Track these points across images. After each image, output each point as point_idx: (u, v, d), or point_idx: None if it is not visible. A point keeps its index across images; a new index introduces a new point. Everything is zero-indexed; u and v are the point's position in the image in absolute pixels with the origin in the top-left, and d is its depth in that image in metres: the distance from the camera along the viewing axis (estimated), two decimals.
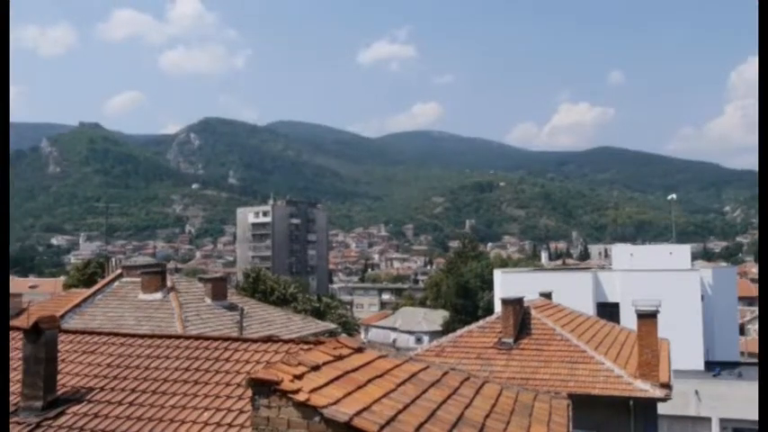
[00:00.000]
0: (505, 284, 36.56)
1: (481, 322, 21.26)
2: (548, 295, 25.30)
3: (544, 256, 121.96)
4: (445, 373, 8.80)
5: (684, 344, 27.29)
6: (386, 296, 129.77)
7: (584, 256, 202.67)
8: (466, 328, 21.14)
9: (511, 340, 19.25)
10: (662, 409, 18.84)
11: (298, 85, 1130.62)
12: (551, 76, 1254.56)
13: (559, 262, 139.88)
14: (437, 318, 70.26)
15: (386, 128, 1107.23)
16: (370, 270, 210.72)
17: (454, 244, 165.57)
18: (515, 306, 19.81)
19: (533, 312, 20.52)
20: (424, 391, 7.47)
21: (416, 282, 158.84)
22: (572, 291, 32.41)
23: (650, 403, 17.44)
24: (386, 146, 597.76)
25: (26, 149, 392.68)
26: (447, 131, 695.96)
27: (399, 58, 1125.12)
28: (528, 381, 16.35)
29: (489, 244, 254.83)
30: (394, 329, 73.26)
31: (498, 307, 22.33)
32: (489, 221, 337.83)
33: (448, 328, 55.93)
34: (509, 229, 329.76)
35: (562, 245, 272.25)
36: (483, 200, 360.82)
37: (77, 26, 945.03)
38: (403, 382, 7.42)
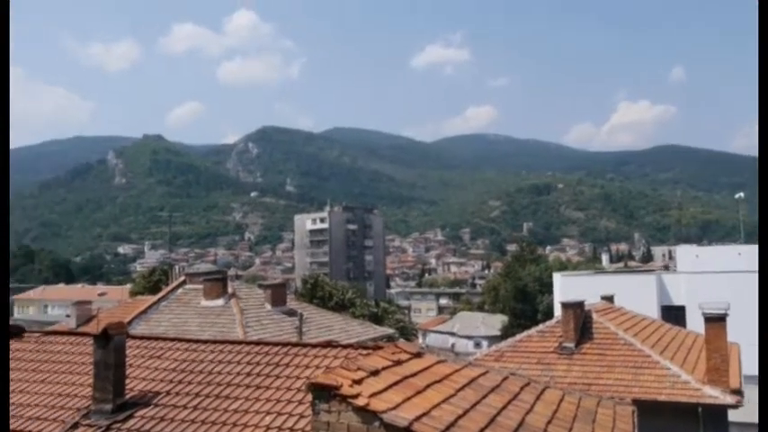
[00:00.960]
0: (565, 288, 35.88)
1: (541, 326, 20.95)
2: (610, 298, 24.72)
3: (605, 258, 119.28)
4: (505, 378, 8.71)
5: (756, 348, 26.16)
6: (443, 301, 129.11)
7: (647, 258, 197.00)
8: (525, 333, 20.85)
9: (572, 345, 18.89)
10: (733, 416, 18.13)
11: (352, 91, 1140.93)
12: (609, 75, 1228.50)
13: (621, 264, 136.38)
14: (495, 322, 69.46)
15: (441, 132, 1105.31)
16: (427, 275, 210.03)
17: (512, 247, 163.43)
18: (576, 310, 19.44)
19: (595, 316, 20.10)
20: (483, 397, 7.40)
21: (474, 286, 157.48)
22: (635, 294, 31.52)
23: (720, 410, 16.82)
24: (441, 150, 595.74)
25: (94, 162, 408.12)
26: (502, 134, 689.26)
27: (453, 61, 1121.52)
28: (590, 386, 16.01)
29: (548, 247, 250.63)
30: (452, 334, 72.76)
31: (558, 311, 21.96)
32: (547, 224, 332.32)
33: (507, 332, 55.22)
34: (568, 232, 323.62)
35: (624, 247, 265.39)
36: (540, 202, 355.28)
37: (140, 41, 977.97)
38: (462, 388, 7.37)
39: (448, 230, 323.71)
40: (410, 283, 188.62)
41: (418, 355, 7.88)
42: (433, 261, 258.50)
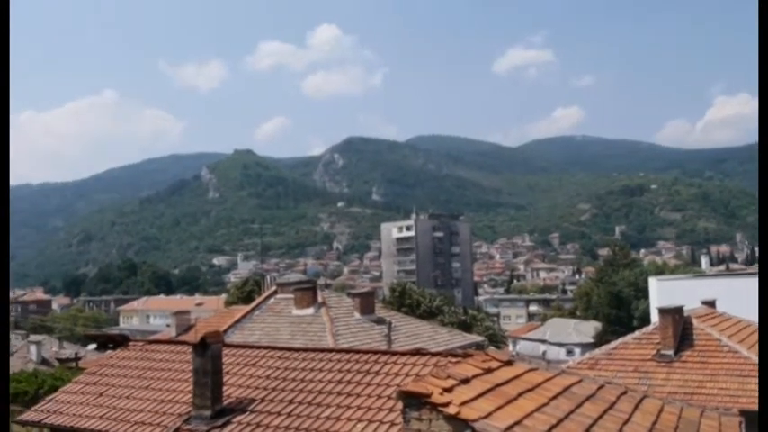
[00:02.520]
0: (662, 293, 34.38)
1: (637, 333, 20.20)
2: (711, 303, 23.51)
3: (705, 261, 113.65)
4: (600, 387, 8.44)
5: None
6: (533, 307, 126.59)
7: (751, 260, 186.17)
8: (621, 340, 20.17)
9: (671, 352, 18.10)
10: None
11: (435, 99, 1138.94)
12: (702, 69, 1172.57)
13: (722, 267, 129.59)
14: (588, 329, 67.45)
15: (526, 136, 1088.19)
16: (515, 281, 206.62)
17: (604, 252, 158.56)
18: (674, 315, 18.64)
19: (695, 322, 19.19)
20: (578, 406, 7.21)
21: (565, 292, 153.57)
22: (739, 298, 29.83)
23: None
24: (527, 154, 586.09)
25: (189, 178, 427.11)
26: (591, 135, 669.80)
27: (536, 63, 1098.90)
28: (692, 396, 15.30)
29: (642, 250, 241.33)
30: (543, 341, 71.16)
31: (655, 317, 21.09)
32: (641, 227, 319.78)
33: (600, 339, 53.49)
34: (664, 234, 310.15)
35: (725, 249, 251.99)
36: (633, 204, 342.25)
37: (228, 61, 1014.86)
38: (555, 396, 7.20)
39: (536, 236, 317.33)
40: (498, 290, 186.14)
41: (509, 362, 7.76)
42: (521, 267, 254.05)
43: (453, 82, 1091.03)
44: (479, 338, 31.98)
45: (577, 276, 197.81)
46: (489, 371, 7.03)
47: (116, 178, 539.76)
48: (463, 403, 5.64)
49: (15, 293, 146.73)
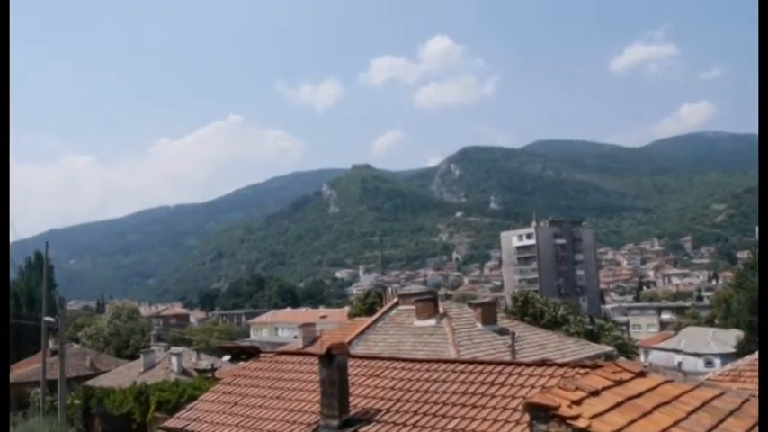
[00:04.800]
0: None
1: None
2: None
3: None
4: (746, 401, 7.85)
5: None
6: (665, 315, 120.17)
7: None
8: None
9: None
10: None
11: (551, 103, 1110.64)
12: None
13: None
14: (728, 338, 62.93)
15: (650, 135, 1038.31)
16: (645, 288, 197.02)
17: (743, 254, 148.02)
18: None
19: None
20: (720, 421, 6.75)
21: (700, 299, 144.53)
22: None
23: None
24: (653, 154, 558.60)
25: (311, 194, 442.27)
26: (723, 130, 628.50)
27: (658, 58, 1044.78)
28: None
29: None
30: (678, 352, 67.20)
31: None
32: None
33: (743, 349, 49.73)
34: None
35: None
36: None
37: (342, 79, 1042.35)
38: (695, 410, 6.78)
39: (666, 240, 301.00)
40: (627, 298, 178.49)
41: (641, 374, 7.41)
42: (650, 273, 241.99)
43: (569, 84, 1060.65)
44: (608, 349, 30.73)
45: (714, 282, 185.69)
46: (620, 383, 6.73)
47: (243, 198, 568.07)
48: (594, 416, 5.44)
49: (157, 308, 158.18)
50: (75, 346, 59.08)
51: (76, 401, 37.08)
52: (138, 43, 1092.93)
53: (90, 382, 41.26)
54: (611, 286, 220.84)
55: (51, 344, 44.10)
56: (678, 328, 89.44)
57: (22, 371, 55.18)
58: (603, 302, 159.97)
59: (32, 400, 43.77)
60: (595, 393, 6.08)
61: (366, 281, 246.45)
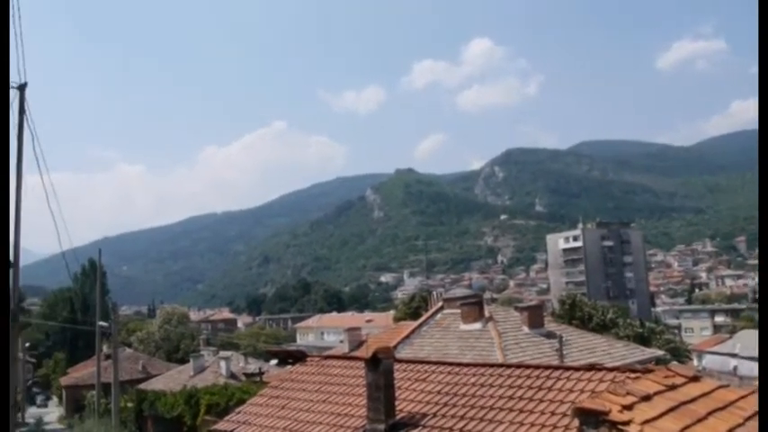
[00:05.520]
0: None
1: None
2: None
3: None
4: None
5: None
6: (719, 318, 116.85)
7: None
8: None
9: None
10: None
11: (596, 102, 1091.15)
12: None
13: None
14: None
15: (700, 133, 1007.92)
16: (697, 290, 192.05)
17: None
18: None
19: None
20: None
21: (756, 301, 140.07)
22: None
23: None
24: (703, 152, 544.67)
25: (354, 199, 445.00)
26: None
27: (706, 54, 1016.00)
28: None
29: None
30: (733, 356, 65.17)
31: None
32: None
33: None
34: None
35: None
36: None
37: (384, 84, 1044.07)
38: (751, 417, 6.58)
39: (719, 240, 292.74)
40: (678, 300, 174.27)
41: (695, 378, 7.22)
42: (703, 275, 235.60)
43: (614, 83, 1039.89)
44: (659, 352, 30.09)
45: None
46: (673, 387, 6.58)
47: (288, 203, 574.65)
48: (645, 422, 5.33)
49: (206, 313, 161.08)
50: (128, 350, 60.67)
51: (130, 404, 38.03)
52: (185, 56, 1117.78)
53: (142, 386, 42.25)
54: (662, 289, 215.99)
55: (105, 348, 45.38)
56: (733, 330, 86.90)
57: (78, 374, 56.88)
58: (654, 305, 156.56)
59: (88, 402, 45.09)
60: (647, 398, 5.95)
61: (411, 285, 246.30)
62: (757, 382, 13.18)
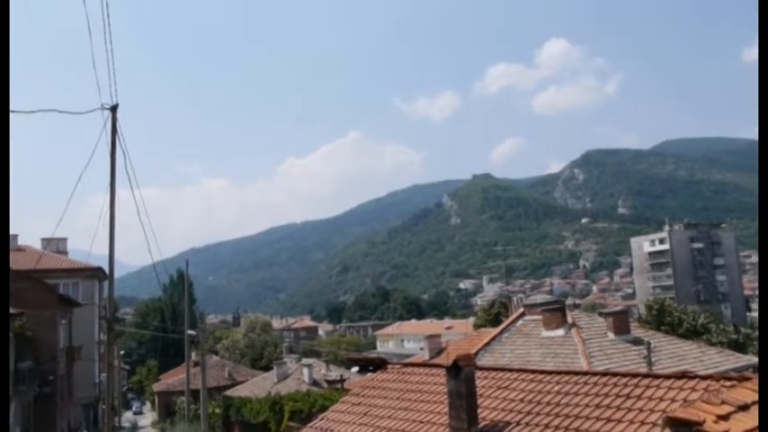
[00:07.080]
0: None
1: None
2: None
3: None
4: None
5: None
6: None
7: None
8: None
9: None
10: None
11: (679, 99, 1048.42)
12: None
13: None
14: None
15: None
16: None
17: None
18: None
19: None
20: None
21: None
22: None
23: None
24: None
25: (431, 206, 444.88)
26: None
27: None
28: None
29: None
30: None
31: None
32: None
33: None
34: None
35: None
36: None
37: (458, 90, 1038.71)
38: None
39: None
40: None
41: None
42: None
43: (697, 78, 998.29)
44: (756, 360, 28.48)
45: None
46: None
47: (365, 212, 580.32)
48: None
49: (288, 321, 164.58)
50: (215, 357, 62.67)
51: (217, 410, 39.27)
52: (263, 72, 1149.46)
53: (229, 392, 43.53)
54: (758, 292, 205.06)
55: (194, 355, 47.04)
56: None
57: (169, 381, 59.25)
58: (749, 310, 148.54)
59: (178, 408, 46.85)
60: (744, 408, 5.67)
61: (490, 291, 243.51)
62: None
